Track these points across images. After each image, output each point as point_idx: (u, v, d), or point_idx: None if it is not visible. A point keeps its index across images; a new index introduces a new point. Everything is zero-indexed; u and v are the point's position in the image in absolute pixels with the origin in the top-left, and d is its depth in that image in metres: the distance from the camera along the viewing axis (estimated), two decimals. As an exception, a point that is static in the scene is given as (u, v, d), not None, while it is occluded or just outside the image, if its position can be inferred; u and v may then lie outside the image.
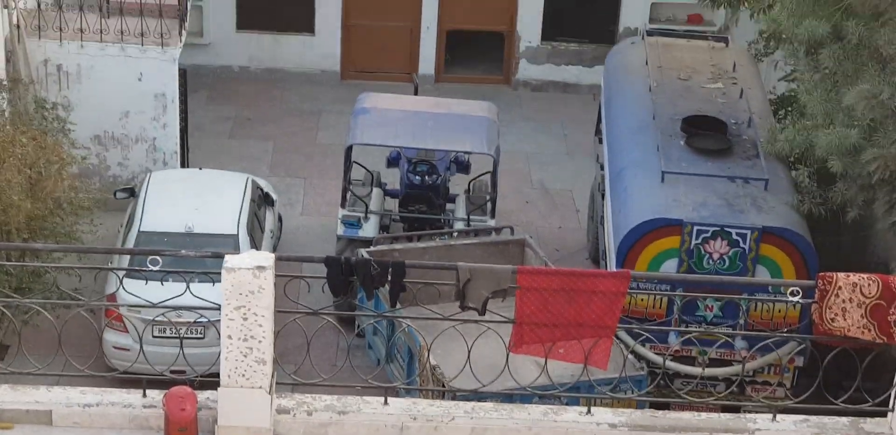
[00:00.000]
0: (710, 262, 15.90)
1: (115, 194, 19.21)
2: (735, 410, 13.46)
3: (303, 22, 25.46)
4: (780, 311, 15.99)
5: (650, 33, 20.55)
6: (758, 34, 19.85)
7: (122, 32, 19.55)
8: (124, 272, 12.50)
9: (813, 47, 15.60)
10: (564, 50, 25.57)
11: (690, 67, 19.36)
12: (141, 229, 17.70)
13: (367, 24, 25.53)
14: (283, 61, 25.53)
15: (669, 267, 15.92)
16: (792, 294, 9.35)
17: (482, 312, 9.35)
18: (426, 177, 19.47)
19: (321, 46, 25.50)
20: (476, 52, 26.08)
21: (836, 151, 15.00)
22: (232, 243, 17.43)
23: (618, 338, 12.65)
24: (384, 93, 20.94)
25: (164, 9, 19.79)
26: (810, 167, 17.21)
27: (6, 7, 18.61)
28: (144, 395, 9.55)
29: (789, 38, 16.07)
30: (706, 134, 17.34)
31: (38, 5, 19.60)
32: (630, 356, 14.97)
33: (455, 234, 18.49)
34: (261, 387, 9.24)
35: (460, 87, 24.80)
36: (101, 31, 19.53)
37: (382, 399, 9.65)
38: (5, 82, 18.34)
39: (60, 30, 19.44)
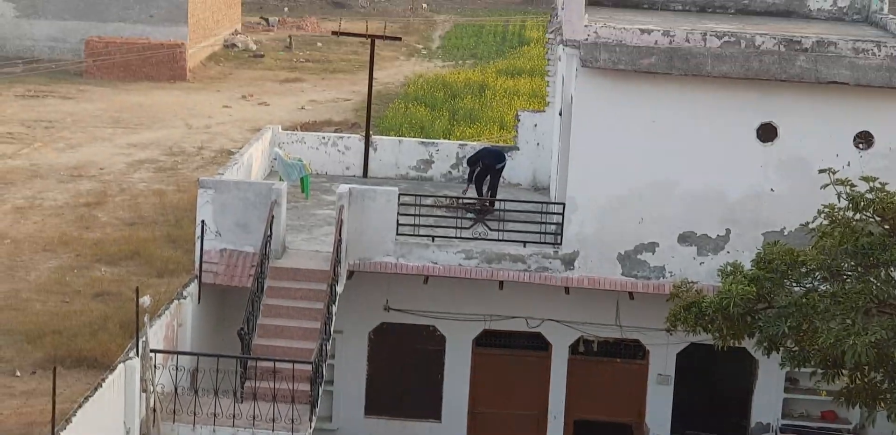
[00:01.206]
0: None
1: None
2: None
3: (430, 408, 25.56)
4: None
5: (783, 430, 20.26)
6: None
7: (254, 417, 19.67)
8: None
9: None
10: (695, 445, 25.22)
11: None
12: None
13: (493, 412, 25.50)
14: (410, 452, 25.50)
15: None
16: None
17: None
18: None
19: (447, 434, 25.43)
20: (603, 443, 25.81)
21: None
22: None
23: None
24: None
25: (297, 394, 19.96)
26: None
27: (144, 391, 18.92)
28: None
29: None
30: None
31: (175, 390, 19.91)
32: None
33: None
34: None
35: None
36: (233, 416, 19.68)
37: None
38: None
39: (195, 414, 19.63)
